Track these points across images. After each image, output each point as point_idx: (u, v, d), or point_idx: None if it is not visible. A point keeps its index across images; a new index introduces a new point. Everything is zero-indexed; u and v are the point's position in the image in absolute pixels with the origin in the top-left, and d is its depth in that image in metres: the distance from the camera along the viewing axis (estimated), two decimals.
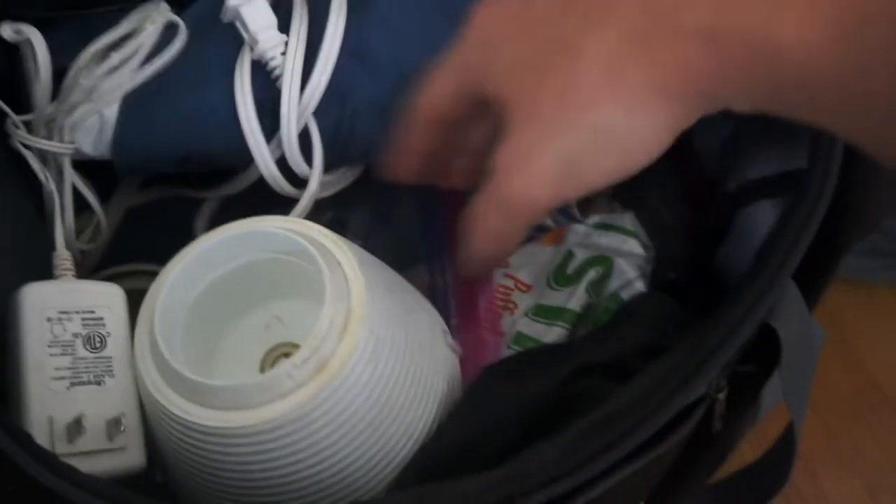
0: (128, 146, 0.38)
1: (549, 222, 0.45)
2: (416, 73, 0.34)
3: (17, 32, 0.37)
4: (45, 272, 0.38)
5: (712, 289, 0.39)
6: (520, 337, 0.41)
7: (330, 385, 0.29)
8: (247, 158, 0.38)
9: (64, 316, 0.32)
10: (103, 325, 0.33)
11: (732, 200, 0.41)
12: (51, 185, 0.36)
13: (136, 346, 0.32)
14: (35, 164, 0.37)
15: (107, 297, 0.33)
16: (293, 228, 0.33)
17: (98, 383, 0.32)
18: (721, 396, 0.30)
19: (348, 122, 0.39)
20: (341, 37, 0.38)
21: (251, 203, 0.38)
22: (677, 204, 0.45)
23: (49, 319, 0.31)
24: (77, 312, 0.32)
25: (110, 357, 0.32)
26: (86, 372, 0.32)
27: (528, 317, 0.41)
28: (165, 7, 0.39)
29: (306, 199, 0.39)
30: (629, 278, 0.41)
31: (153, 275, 0.42)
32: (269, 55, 0.37)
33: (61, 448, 0.30)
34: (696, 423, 0.30)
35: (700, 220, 0.44)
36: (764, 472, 0.38)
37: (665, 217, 0.45)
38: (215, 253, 0.33)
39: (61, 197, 0.37)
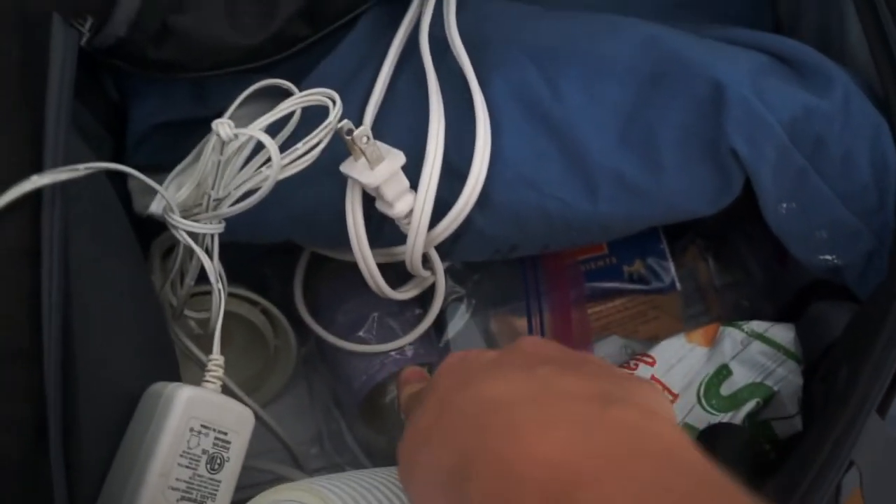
0: (232, 227, 0.38)
1: (641, 270, 0.46)
2: (526, 212, 0.39)
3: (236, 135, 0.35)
4: (167, 351, 0.39)
5: None
6: None
7: None
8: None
9: (204, 430, 0.32)
10: (228, 448, 0.33)
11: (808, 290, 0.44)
12: (219, 285, 0.36)
13: None
14: (205, 260, 0.36)
15: (241, 422, 0.34)
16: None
17: None
18: None
19: (448, 242, 0.40)
20: (476, 199, 0.38)
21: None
22: (765, 256, 0.47)
23: (192, 430, 0.32)
24: (215, 430, 0.32)
25: (220, 482, 0.33)
26: (197, 490, 0.32)
27: None
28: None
29: (424, 326, 0.45)
30: (788, 413, 0.39)
31: (237, 297, 0.46)
32: (397, 217, 0.38)
33: None
34: None
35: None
36: None
37: (752, 267, 0.47)
38: None
39: (220, 289, 0.37)
